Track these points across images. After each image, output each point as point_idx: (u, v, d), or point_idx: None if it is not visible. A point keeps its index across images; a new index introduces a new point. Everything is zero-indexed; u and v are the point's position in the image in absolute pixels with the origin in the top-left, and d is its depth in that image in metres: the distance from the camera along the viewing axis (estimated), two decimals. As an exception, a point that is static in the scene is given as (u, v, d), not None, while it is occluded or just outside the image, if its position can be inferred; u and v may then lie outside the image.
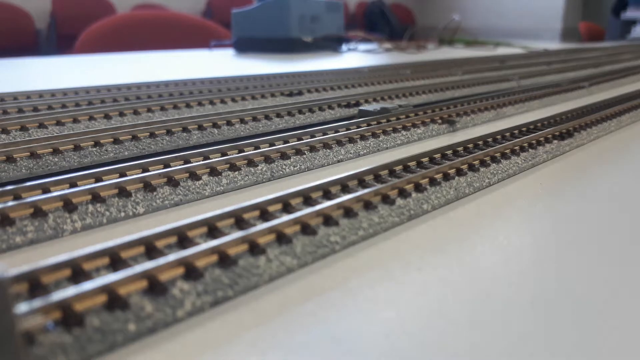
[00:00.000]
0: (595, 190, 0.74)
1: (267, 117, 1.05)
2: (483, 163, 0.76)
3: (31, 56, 2.75)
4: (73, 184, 0.62)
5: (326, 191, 0.62)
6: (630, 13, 5.67)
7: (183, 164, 0.71)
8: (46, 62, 2.41)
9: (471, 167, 0.74)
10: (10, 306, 0.28)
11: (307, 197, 0.60)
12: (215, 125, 0.96)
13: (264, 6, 3.01)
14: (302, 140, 0.86)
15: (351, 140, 0.90)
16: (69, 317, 0.36)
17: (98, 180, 0.64)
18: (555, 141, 0.91)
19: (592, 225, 0.61)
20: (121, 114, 1.03)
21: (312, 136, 0.89)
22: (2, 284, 0.27)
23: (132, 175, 0.65)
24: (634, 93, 1.41)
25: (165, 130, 0.89)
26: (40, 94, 1.24)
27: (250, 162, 0.75)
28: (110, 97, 1.20)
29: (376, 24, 7.64)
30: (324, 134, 0.91)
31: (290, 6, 2.92)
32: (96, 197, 0.59)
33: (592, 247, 0.56)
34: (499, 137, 0.89)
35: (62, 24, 5.59)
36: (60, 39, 5.51)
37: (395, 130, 0.99)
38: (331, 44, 3.17)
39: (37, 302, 0.35)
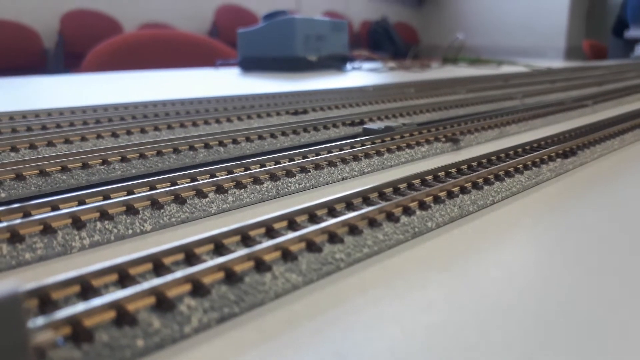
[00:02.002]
0: (599, 209, 0.74)
1: (272, 136, 1.06)
2: (487, 181, 0.76)
3: (39, 75, 2.79)
4: (81, 202, 0.63)
5: (331, 209, 0.63)
6: (633, 32, 5.70)
7: (190, 182, 0.72)
8: (54, 81, 2.45)
9: (475, 185, 0.74)
10: (23, 322, 0.28)
11: (312, 215, 0.61)
12: (221, 144, 0.97)
13: (269, 26, 3.05)
14: (307, 158, 0.87)
15: (356, 158, 0.91)
16: (78, 332, 0.37)
17: (106, 197, 0.65)
18: (559, 159, 0.92)
19: (596, 243, 0.62)
20: (128, 132, 1.04)
21: (317, 154, 0.90)
22: (16, 300, 0.28)
23: (140, 193, 0.66)
24: (638, 111, 1.41)
25: (172, 149, 0.90)
26: (49, 113, 1.25)
27: (256, 180, 0.76)
28: (118, 116, 1.22)
29: (380, 43, 7.71)
30: (329, 152, 0.92)
31: (295, 26, 2.96)
32: (104, 215, 0.60)
33: (596, 264, 0.56)
34: (502, 155, 0.90)
35: (70, 43, 5.67)
36: (67, 58, 5.58)
37: (399, 148, 0.99)
38: (336, 62, 3.21)
39: (48, 318, 0.36)
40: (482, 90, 1.96)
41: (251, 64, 3.11)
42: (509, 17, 8.06)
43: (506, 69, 3.41)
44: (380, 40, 7.79)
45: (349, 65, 3.32)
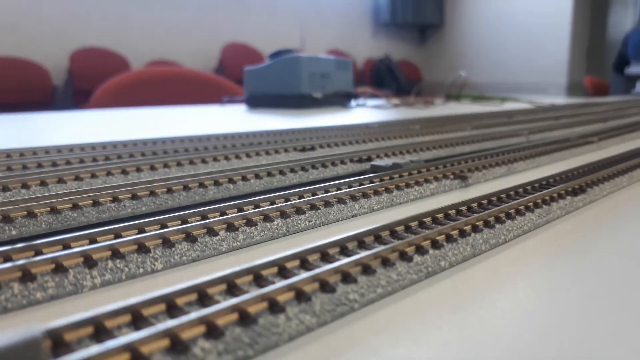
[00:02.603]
0: (612, 246, 0.73)
1: (281, 173, 1.07)
2: (498, 219, 0.76)
3: (48, 111, 2.83)
4: (93, 240, 0.63)
5: (343, 247, 0.62)
6: (633, 68, 5.76)
7: (201, 220, 0.72)
8: (63, 117, 2.48)
9: (487, 224, 0.74)
10: (41, 366, 0.28)
11: (324, 253, 0.60)
12: (230, 181, 0.97)
13: (275, 64, 3.10)
14: (317, 195, 0.87)
15: (365, 195, 0.91)
16: (92, 376, 0.36)
17: (117, 236, 0.65)
18: (569, 197, 0.91)
19: (613, 283, 0.61)
20: (138, 170, 1.05)
21: (327, 191, 0.90)
22: (36, 344, 0.27)
23: (151, 231, 0.66)
24: (644, 148, 1.42)
25: (182, 186, 0.91)
26: (59, 149, 1.27)
27: (267, 218, 0.76)
28: (127, 153, 1.23)
29: (384, 80, 7.82)
30: (338, 189, 0.92)
31: (300, 64, 3.01)
32: (116, 253, 0.60)
33: (613, 303, 0.55)
34: (512, 193, 0.90)
35: (79, 80, 5.77)
36: (75, 95, 5.68)
37: (408, 185, 1.00)
38: (340, 100, 3.25)
39: (62, 361, 0.35)
40: (487, 127, 1.98)
41: (257, 101, 3.15)
42: (510, 54, 8.19)
43: (510, 106, 3.44)
44: (383, 78, 7.91)
45: (353, 102, 3.36)
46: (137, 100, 3.36)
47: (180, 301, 0.48)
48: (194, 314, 0.43)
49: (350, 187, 0.94)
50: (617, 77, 6.05)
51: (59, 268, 0.56)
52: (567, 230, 0.80)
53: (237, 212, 0.76)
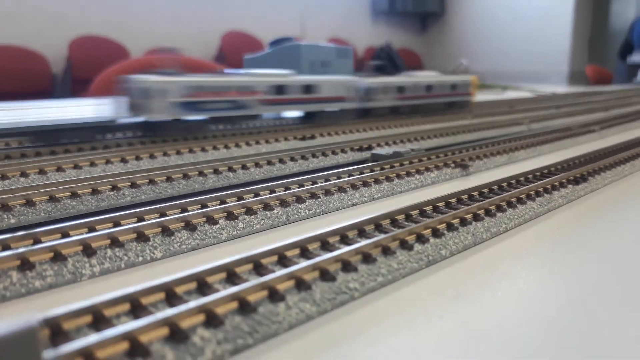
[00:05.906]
0: (613, 235, 0.73)
1: (281, 161, 1.06)
2: (499, 208, 0.75)
3: (47, 99, 2.81)
4: (92, 228, 0.63)
5: (343, 236, 0.62)
6: (636, 57, 5.73)
7: (200, 208, 0.71)
8: (62, 105, 2.47)
9: (488, 212, 0.73)
10: (39, 354, 0.27)
11: (324, 242, 0.60)
12: (230, 169, 0.97)
13: (275, 52, 3.08)
14: (317, 184, 0.87)
15: (365, 184, 0.91)
16: (91, 365, 0.36)
17: (116, 224, 0.65)
18: (570, 186, 0.91)
19: (612, 269, 0.61)
20: (137, 158, 1.04)
21: (327, 180, 0.90)
22: (33, 333, 0.27)
23: (150, 219, 0.66)
24: (646, 137, 1.41)
25: (181, 174, 0.90)
26: (58, 138, 1.26)
27: (267, 206, 0.75)
28: (126, 141, 1.22)
29: (384, 69, 7.77)
30: (338, 177, 0.92)
31: (301, 52, 2.98)
32: (115, 242, 0.60)
33: (613, 291, 0.55)
34: (513, 181, 0.89)
35: (78, 68, 5.73)
36: (74, 83, 5.65)
37: (408, 174, 0.99)
38: (341, 88, 3.23)
39: (61, 350, 0.35)
40: (488, 116, 1.97)
41: (257, 89, 3.13)
42: (512, 42, 8.13)
43: (511, 94, 3.42)
44: (384, 66, 7.86)
45: (354, 91, 3.34)
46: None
47: (179, 290, 0.47)
48: (194, 303, 0.43)
49: (350, 175, 0.94)
50: (621, 65, 6.02)
51: (57, 256, 0.55)
52: (569, 218, 0.80)
53: (237, 201, 0.75)
